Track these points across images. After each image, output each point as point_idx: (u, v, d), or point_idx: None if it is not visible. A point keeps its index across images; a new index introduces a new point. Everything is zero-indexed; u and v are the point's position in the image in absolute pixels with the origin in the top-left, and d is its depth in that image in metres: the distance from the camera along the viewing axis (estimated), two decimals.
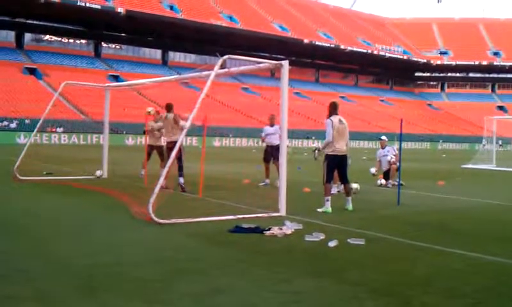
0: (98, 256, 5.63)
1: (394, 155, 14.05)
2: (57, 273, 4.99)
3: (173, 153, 8.25)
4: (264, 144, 13.80)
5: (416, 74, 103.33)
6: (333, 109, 9.39)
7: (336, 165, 9.35)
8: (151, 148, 13.94)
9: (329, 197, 9.15)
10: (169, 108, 12.29)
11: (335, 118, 9.28)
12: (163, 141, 14.19)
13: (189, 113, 8.52)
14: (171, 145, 10.88)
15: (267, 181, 13.35)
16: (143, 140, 15.31)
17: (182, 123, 11.50)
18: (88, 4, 60.64)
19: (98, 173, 14.43)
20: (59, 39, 68.74)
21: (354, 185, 11.16)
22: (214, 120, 49.76)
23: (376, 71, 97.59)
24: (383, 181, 13.88)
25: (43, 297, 4.30)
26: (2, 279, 4.68)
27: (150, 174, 12.57)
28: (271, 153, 13.18)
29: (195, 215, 7.96)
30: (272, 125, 13.52)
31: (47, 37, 68.01)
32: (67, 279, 4.78)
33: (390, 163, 14.02)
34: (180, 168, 11.62)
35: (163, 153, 14.02)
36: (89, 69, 64.89)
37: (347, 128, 9.41)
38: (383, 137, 14.69)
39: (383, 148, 14.38)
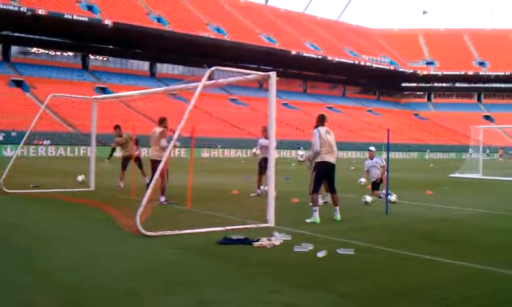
0: (84, 269, 5.56)
1: (382, 166, 14.03)
2: (43, 286, 4.93)
3: (159, 168, 8.32)
4: (259, 157, 13.75)
5: (403, 84, 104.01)
6: (319, 121, 9.49)
7: (325, 175, 9.40)
8: (125, 159, 14.41)
9: (317, 208, 9.16)
10: (159, 121, 11.82)
11: (322, 129, 9.35)
12: (137, 151, 14.35)
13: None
14: (155, 165, 10.71)
15: (259, 191, 13.33)
16: (120, 152, 14.97)
17: (162, 142, 11.24)
18: (75, 17, 60.50)
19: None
20: (46, 51, 68.39)
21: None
22: (202, 131, 49.70)
23: (363, 81, 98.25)
24: (369, 199, 12.36)
25: None
26: None
27: (136, 186, 12.50)
28: (265, 166, 13.15)
29: (183, 227, 7.92)
30: (266, 138, 13.47)
31: (34, 49, 67.61)
32: (53, 293, 4.72)
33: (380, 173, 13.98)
34: (163, 189, 11.23)
35: (141, 162, 14.14)
36: (76, 81, 64.56)
37: (334, 138, 9.47)
38: (371, 148, 14.69)
39: (371, 158, 14.39)
